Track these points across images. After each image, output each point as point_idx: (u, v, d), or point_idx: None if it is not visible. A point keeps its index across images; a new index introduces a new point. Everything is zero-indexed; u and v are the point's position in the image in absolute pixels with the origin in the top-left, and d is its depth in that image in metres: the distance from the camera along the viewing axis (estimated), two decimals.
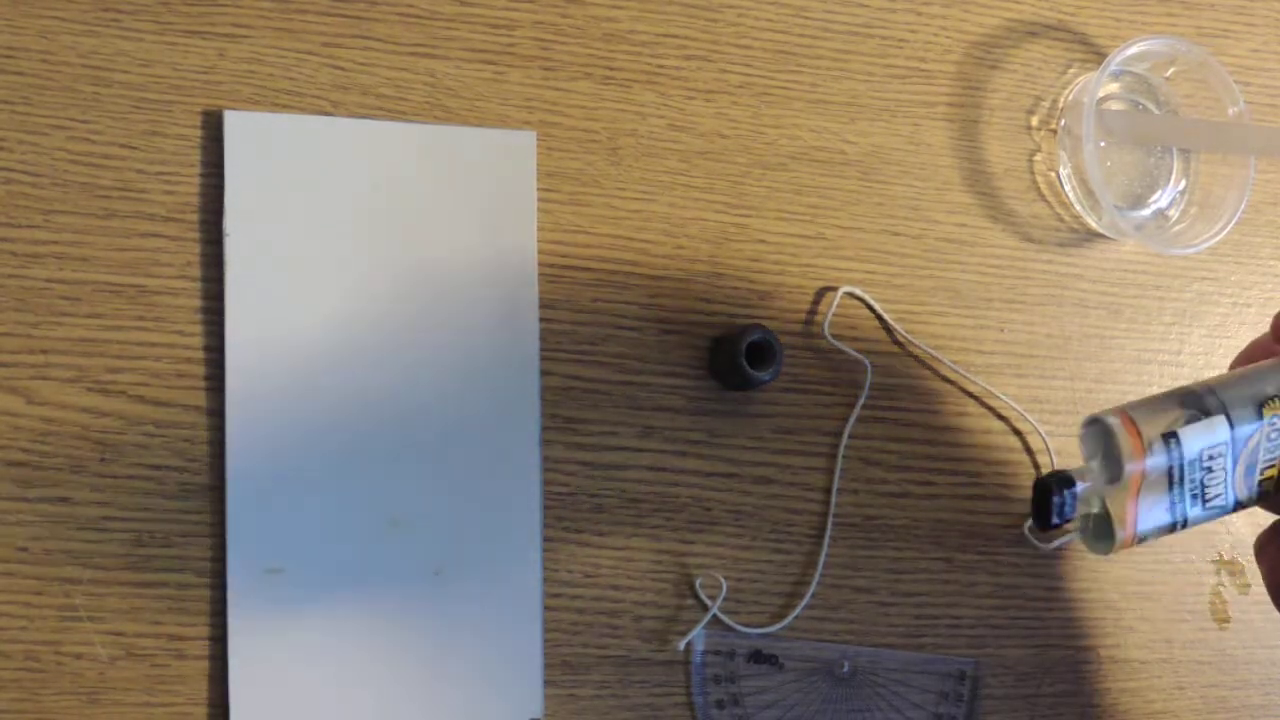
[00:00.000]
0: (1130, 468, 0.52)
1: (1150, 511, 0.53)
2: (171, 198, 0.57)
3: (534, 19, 0.62)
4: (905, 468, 0.65)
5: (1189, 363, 0.69)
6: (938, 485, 0.65)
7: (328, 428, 0.57)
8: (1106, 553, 0.54)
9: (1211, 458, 0.53)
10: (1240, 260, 0.71)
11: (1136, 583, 0.67)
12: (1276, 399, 0.53)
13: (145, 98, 0.57)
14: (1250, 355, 0.57)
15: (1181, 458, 0.52)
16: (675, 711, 0.61)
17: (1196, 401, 0.53)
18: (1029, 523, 0.66)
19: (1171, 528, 0.54)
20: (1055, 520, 0.55)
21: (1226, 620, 0.69)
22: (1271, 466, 0.53)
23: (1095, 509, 0.54)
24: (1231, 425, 0.53)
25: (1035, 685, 0.65)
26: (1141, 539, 0.54)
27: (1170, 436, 0.52)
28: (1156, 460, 0.52)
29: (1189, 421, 0.53)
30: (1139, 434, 0.53)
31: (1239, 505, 0.54)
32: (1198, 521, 0.54)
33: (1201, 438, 0.53)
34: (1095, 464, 0.54)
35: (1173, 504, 0.53)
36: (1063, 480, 0.54)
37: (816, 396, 0.64)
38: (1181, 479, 0.53)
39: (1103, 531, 0.54)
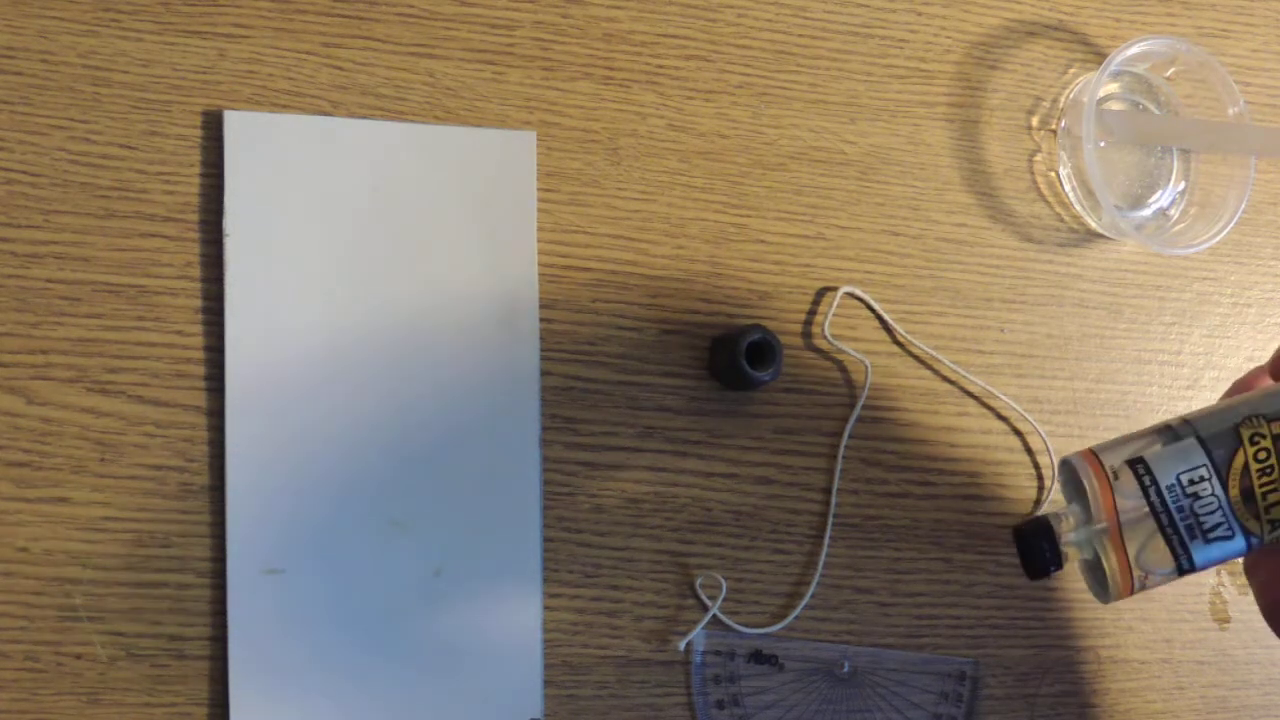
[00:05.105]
0: (1097, 500, 0.51)
1: (1145, 551, 0.51)
2: (171, 198, 0.57)
3: (534, 19, 0.62)
4: (905, 468, 0.65)
5: (1189, 363, 0.69)
6: (938, 485, 0.65)
7: (327, 428, 0.57)
8: (1107, 600, 0.53)
9: (1193, 483, 0.51)
10: (1240, 260, 0.71)
11: None
12: (1253, 418, 0.51)
13: (145, 98, 0.57)
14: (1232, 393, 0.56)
15: (1155, 484, 0.51)
16: (675, 711, 0.61)
17: (1167, 430, 0.52)
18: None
19: (1179, 567, 0.52)
20: (1044, 571, 0.54)
21: (1226, 620, 0.69)
22: (1275, 490, 0.51)
23: (1088, 555, 0.53)
24: (1206, 448, 0.51)
25: (1035, 685, 0.65)
26: (1145, 579, 0.52)
27: (1137, 463, 0.51)
28: (1126, 490, 0.51)
29: (1161, 447, 0.52)
30: (1100, 465, 0.52)
31: (1255, 539, 0.51)
32: (1210, 561, 0.52)
33: (1173, 461, 0.51)
34: (1075, 506, 0.53)
35: (1169, 540, 0.51)
36: (1040, 527, 0.53)
37: (816, 396, 0.64)
38: (1166, 509, 0.51)
39: (1103, 578, 0.53)
